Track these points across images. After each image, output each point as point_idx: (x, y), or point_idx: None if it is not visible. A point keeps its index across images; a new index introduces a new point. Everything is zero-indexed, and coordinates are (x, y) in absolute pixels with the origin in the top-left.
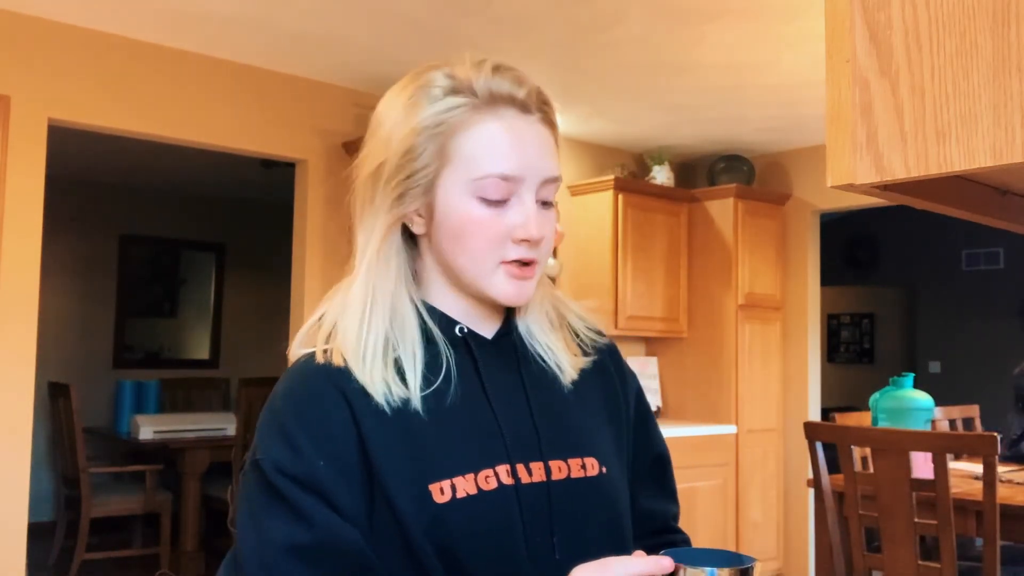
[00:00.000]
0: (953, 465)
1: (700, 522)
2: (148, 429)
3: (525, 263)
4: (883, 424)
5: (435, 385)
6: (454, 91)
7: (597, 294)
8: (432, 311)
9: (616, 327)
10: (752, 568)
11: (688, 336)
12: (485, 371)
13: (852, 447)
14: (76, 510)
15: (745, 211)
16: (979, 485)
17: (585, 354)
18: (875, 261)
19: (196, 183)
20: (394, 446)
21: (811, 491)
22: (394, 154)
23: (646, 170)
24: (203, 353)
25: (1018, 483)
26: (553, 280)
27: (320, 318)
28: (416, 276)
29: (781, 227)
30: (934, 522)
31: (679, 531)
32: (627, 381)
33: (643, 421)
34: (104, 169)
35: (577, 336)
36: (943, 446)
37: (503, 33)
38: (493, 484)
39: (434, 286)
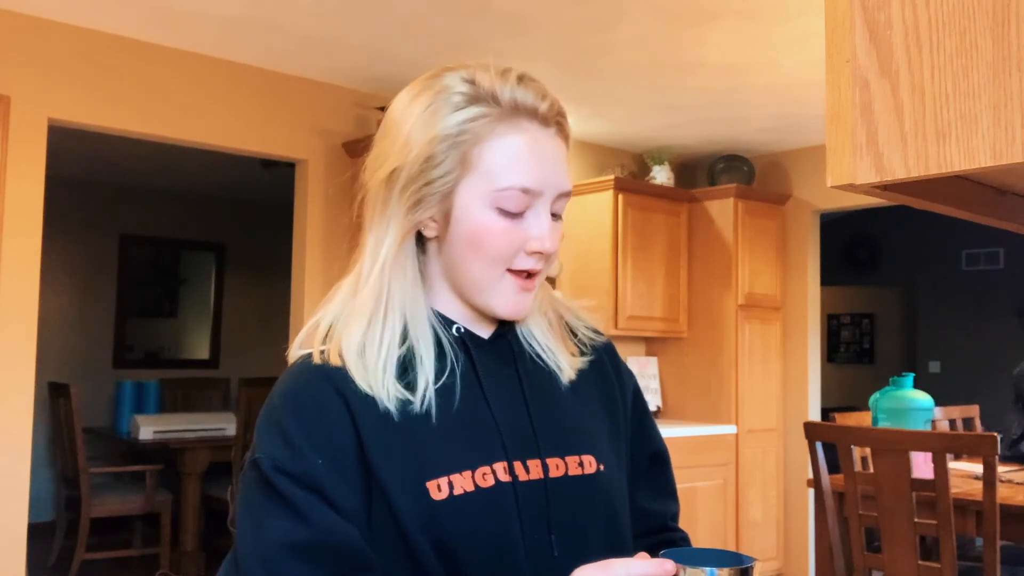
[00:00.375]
0: (953, 465)
1: (700, 522)
2: (148, 429)
3: (532, 274)
4: (883, 424)
5: (434, 384)
6: (476, 99)
7: (597, 294)
8: (435, 314)
9: (616, 327)
10: (752, 568)
11: (688, 336)
12: (482, 370)
13: (852, 447)
14: (76, 510)
15: (745, 211)
16: (979, 485)
17: (583, 354)
18: (875, 261)
19: (196, 183)
20: (391, 444)
21: (811, 491)
22: (413, 161)
23: (646, 170)
24: (203, 353)
25: (1018, 483)
26: (553, 280)
27: (318, 320)
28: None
29: (781, 227)
30: (934, 522)
31: (678, 530)
32: (624, 380)
33: (640, 419)
34: (104, 169)
35: (575, 336)
36: (943, 446)
37: (503, 33)
38: (490, 481)
39: (436, 288)
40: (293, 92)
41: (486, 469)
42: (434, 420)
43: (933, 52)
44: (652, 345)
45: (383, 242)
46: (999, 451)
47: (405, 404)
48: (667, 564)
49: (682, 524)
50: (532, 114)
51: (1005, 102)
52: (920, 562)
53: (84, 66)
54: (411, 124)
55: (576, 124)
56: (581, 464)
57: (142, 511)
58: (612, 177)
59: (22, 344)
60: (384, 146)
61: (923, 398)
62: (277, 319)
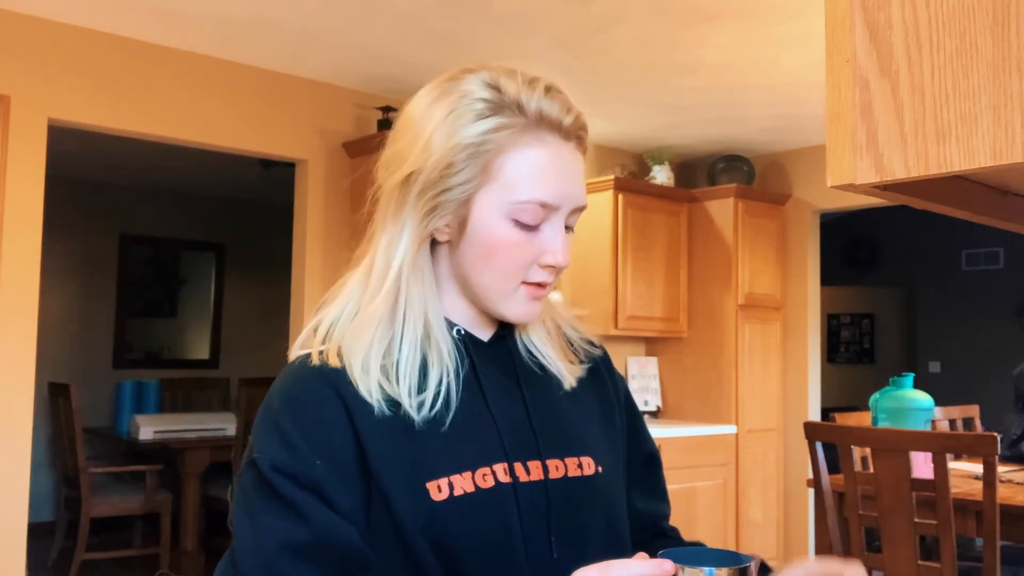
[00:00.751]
0: (953, 465)
1: (700, 522)
2: (148, 429)
3: (544, 285)
4: (883, 424)
5: (445, 386)
6: (500, 108)
7: (597, 294)
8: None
9: (616, 327)
10: (750, 567)
11: (688, 336)
12: (482, 371)
13: (852, 447)
14: (76, 510)
15: (745, 211)
16: (979, 485)
17: (580, 362)
18: (875, 261)
19: (196, 183)
20: (391, 445)
21: (811, 491)
22: (433, 167)
23: (646, 170)
24: (203, 353)
25: (1018, 483)
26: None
27: (319, 321)
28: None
29: (781, 227)
30: (934, 522)
31: (672, 529)
32: (618, 385)
33: (634, 422)
34: (104, 169)
35: (571, 345)
36: (943, 446)
37: (503, 33)
38: (491, 482)
39: (442, 289)
40: (293, 92)
41: (486, 470)
42: (434, 421)
43: (933, 52)
44: (652, 345)
45: (397, 245)
46: (999, 451)
47: (405, 405)
48: (666, 564)
49: (682, 524)
50: (556, 127)
51: (1005, 102)
52: (920, 562)
53: (84, 66)
54: (432, 128)
55: None
56: (580, 465)
57: (142, 511)
58: (612, 177)
59: (22, 344)
60: (401, 147)
61: (923, 398)
62: (277, 319)
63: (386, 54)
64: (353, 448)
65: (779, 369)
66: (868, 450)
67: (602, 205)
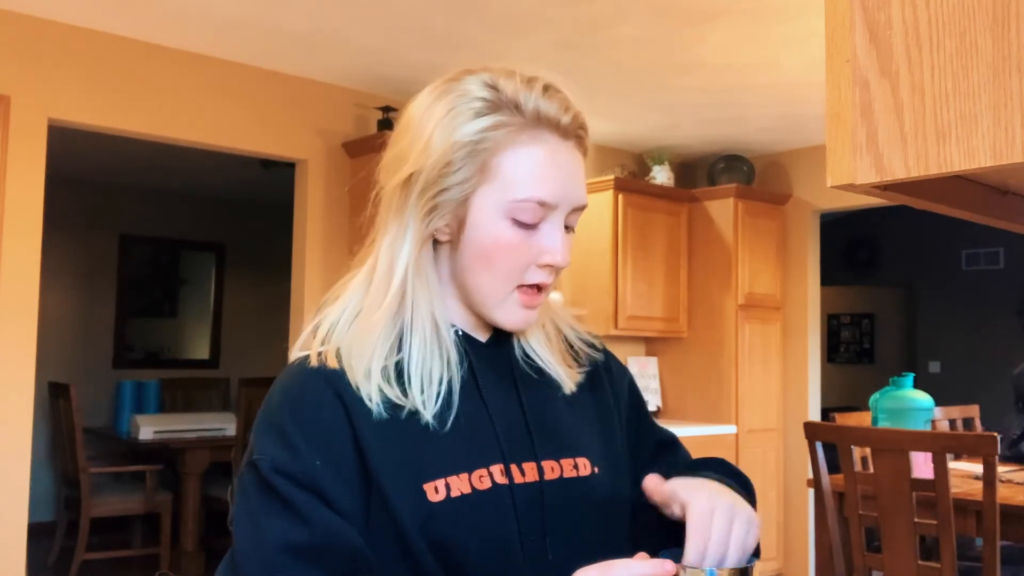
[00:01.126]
0: (953, 465)
1: None
2: (148, 429)
3: (541, 288)
4: (883, 424)
5: (444, 388)
6: (498, 106)
7: (597, 294)
8: None
9: (616, 327)
10: (751, 568)
11: (688, 336)
12: (480, 373)
13: (852, 447)
14: (76, 510)
15: (745, 211)
16: (979, 485)
17: (580, 366)
18: (875, 261)
19: (196, 183)
20: (389, 446)
21: (811, 491)
22: (432, 166)
23: (646, 170)
24: (203, 353)
25: (1018, 483)
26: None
27: (319, 322)
28: None
29: (781, 227)
30: (934, 522)
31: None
32: (617, 388)
33: (639, 416)
34: (104, 169)
35: (571, 348)
36: (943, 446)
37: (503, 33)
38: (487, 484)
39: (442, 292)
40: (293, 92)
41: (483, 471)
42: (432, 422)
43: (933, 52)
44: (652, 345)
45: (400, 247)
46: (999, 451)
47: (402, 406)
48: (667, 564)
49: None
50: (554, 126)
51: (1005, 102)
52: (920, 562)
53: (84, 66)
54: (431, 128)
55: None
56: (576, 466)
57: (142, 511)
58: (612, 177)
59: (22, 344)
60: (402, 148)
61: (923, 398)
62: (277, 319)
63: (386, 54)
64: (352, 449)
65: (779, 369)
66: (868, 450)
67: (602, 205)
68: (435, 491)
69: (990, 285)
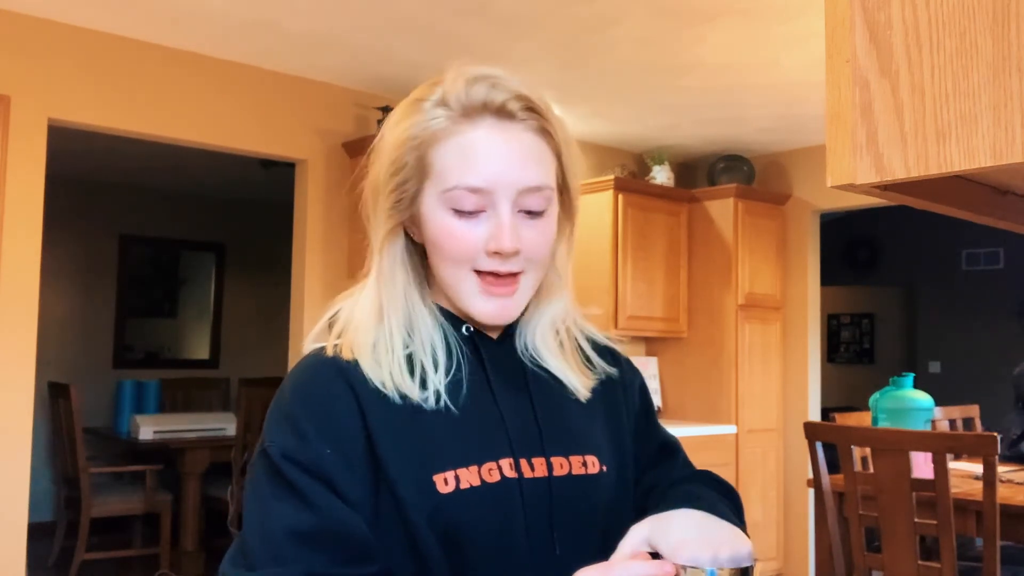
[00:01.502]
0: (953, 465)
1: None
2: (148, 429)
3: (501, 276)
4: (883, 424)
5: (443, 380)
6: (433, 103)
7: (597, 294)
8: (441, 311)
9: (616, 327)
10: (752, 568)
11: (688, 336)
12: (491, 368)
13: (852, 447)
14: (76, 510)
15: (745, 211)
16: (979, 485)
17: (594, 375)
18: (875, 261)
19: (196, 183)
20: (400, 437)
21: (811, 491)
22: (383, 167)
23: (646, 170)
24: (203, 353)
25: (1018, 483)
26: None
27: (334, 314)
28: (429, 279)
29: (781, 227)
30: (934, 522)
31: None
32: (628, 385)
33: (645, 416)
34: (104, 169)
35: (588, 360)
36: (943, 446)
37: (503, 33)
38: (496, 477)
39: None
40: (293, 92)
41: (492, 465)
42: (443, 415)
43: (933, 52)
44: (652, 345)
45: (376, 249)
46: (999, 451)
47: (415, 398)
48: (666, 566)
49: None
50: (488, 110)
51: (1005, 102)
52: (920, 562)
53: (84, 66)
54: (386, 131)
55: (576, 124)
56: (584, 464)
57: (142, 511)
58: (612, 177)
59: (22, 344)
60: (372, 156)
61: (923, 398)
62: (277, 319)
63: (386, 54)
64: (363, 439)
65: (779, 369)
66: (868, 450)
67: (602, 205)
68: (444, 482)
69: (990, 285)
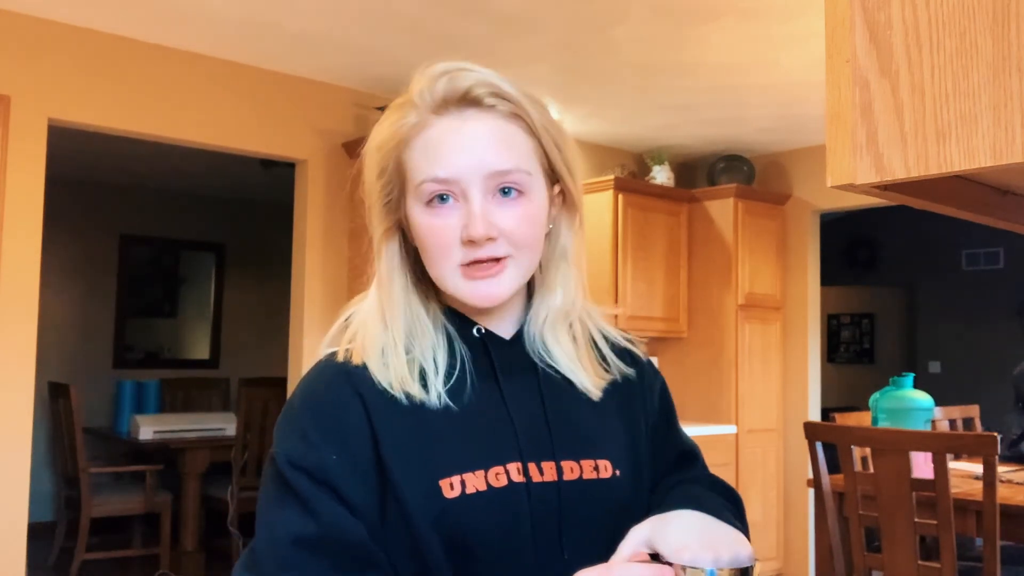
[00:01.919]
0: (953, 465)
1: None
2: (148, 429)
3: (482, 262)
4: (883, 424)
5: (451, 384)
6: (402, 106)
7: (597, 294)
8: (453, 314)
9: (616, 327)
10: (752, 568)
11: (688, 336)
12: (501, 370)
13: (852, 447)
14: (76, 510)
15: (745, 211)
16: (979, 485)
17: (608, 374)
18: (875, 261)
19: (196, 183)
20: (406, 442)
21: (811, 491)
22: (370, 171)
23: (646, 170)
24: (203, 353)
25: (1018, 483)
26: None
27: (347, 319)
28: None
29: (781, 227)
30: (934, 522)
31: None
32: (647, 387)
33: (666, 423)
34: (104, 169)
35: (603, 359)
36: (943, 446)
37: (503, 33)
38: (503, 481)
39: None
40: (293, 92)
41: (499, 469)
42: (450, 419)
43: (933, 52)
44: (652, 345)
45: (376, 253)
46: (999, 451)
47: (422, 403)
48: (666, 571)
49: None
50: (450, 102)
51: (1005, 102)
52: (920, 562)
53: (84, 66)
54: (370, 138)
55: (576, 124)
56: (596, 468)
57: (142, 511)
58: (612, 177)
59: (22, 344)
60: (362, 161)
61: (923, 398)
62: (277, 319)
63: (386, 54)
64: (370, 445)
65: (779, 369)
66: (868, 450)
67: (602, 205)
68: (451, 487)
69: (990, 285)
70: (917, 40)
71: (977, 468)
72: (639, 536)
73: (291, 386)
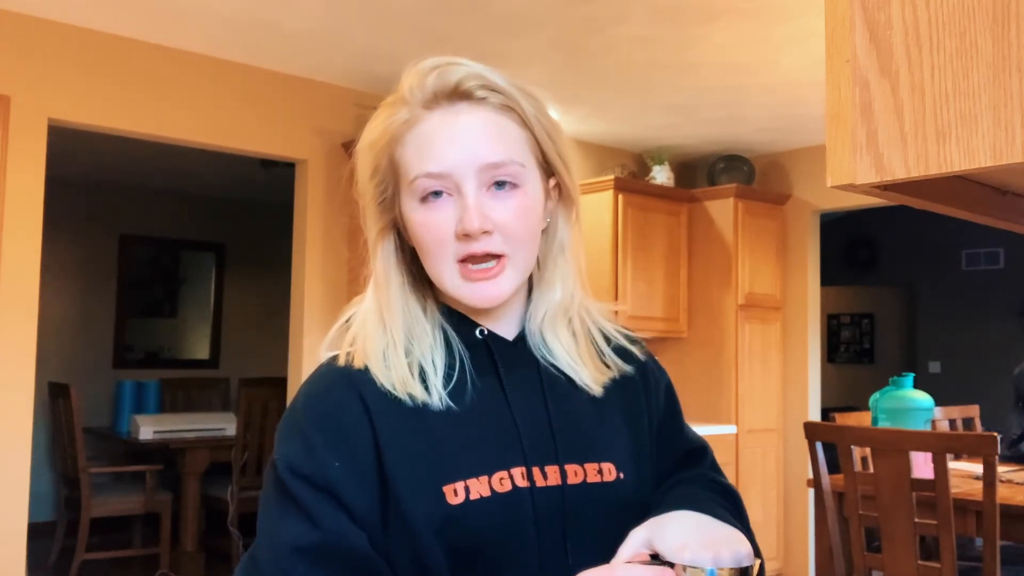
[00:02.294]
0: (953, 465)
1: None
2: (148, 429)
3: (478, 258)
4: (883, 424)
5: (452, 387)
6: (393, 104)
7: (597, 294)
8: (452, 314)
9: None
10: (752, 568)
11: (688, 336)
12: (505, 372)
13: (852, 447)
14: (76, 510)
15: (745, 211)
16: (979, 485)
17: (609, 371)
18: (875, 261)
19: (196, 183)
20: (409, 448)
21: (811, 491)
22: (363, 171)
23: (646, 170)
24: (203, 353)
25: (1018, 483)
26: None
27: (348, 321)
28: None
29: (781, 227)
30: (934, 522)
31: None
32: (652, 386)
33: (672, 422)
34: (104, 169)
35: (602, 355)
36: (943, 446)
37: (503, 33)
38: (507, 487)
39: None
40: (293, 92)
41: (503, 474)
42: (454, 423)
43: (933, 52)
44: (652, 345)
45: (371, 253)
46: (999, 451)
47: (425, 406)
48: (667, 571)
49: None
50: (441, 97)
51: (1005, 102)
52: (920, 562)
53: (84, 66)
54: (362, 137)
55: (576, 124)
56: (600, 472)
57: (142, 511)
58: (612, 177)
59: (22, 344)
60: (355, 161)
61: (923, 398)
62: (277, 319)
63: (386, 54)
64: (372, 450)
65: (779, 369)
66: (868, 450)
67: (602, 205)
68: (454, 493)
69: (990, 285)
70: (917, 40)
71: (977, 468)
72: (639, 537)
73: (291, 386)
